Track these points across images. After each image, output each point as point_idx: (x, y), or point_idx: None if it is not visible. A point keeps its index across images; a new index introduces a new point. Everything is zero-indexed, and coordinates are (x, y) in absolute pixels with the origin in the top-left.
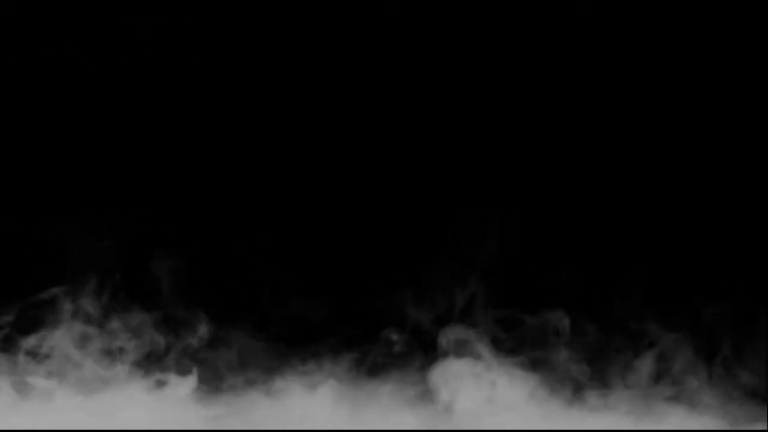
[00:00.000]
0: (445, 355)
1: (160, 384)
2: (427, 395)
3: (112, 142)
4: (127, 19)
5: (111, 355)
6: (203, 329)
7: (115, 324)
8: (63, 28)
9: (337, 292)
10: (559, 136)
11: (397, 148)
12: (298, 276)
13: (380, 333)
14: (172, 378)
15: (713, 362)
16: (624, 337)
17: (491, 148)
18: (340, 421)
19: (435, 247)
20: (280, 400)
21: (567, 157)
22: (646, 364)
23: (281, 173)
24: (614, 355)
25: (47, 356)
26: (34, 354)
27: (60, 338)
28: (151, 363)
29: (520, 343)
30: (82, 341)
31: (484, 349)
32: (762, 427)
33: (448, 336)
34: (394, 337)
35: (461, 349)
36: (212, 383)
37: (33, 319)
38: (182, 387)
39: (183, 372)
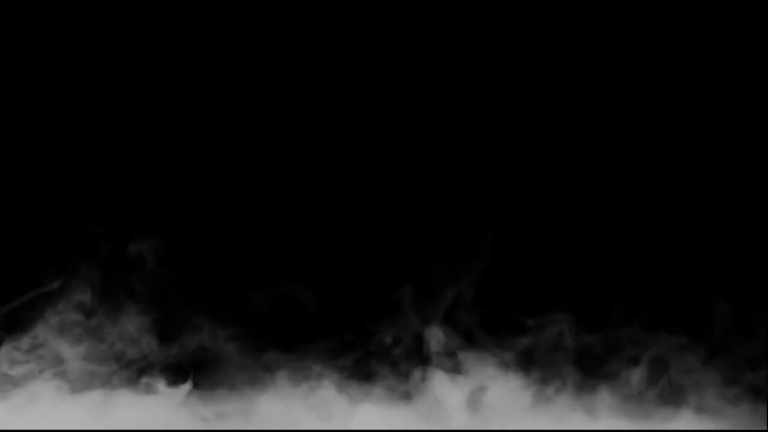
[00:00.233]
0: (444, 355)
1: (157, 384)
2: (426, 395)
3: (112, 142)
4: (127, 19)
5: (108, 355)
6: (201, 329)
7: (112, 324)
8: (63, 28)
9: (337, 292)
10: (559, 136)
11: (397, 148)
12: (298, 276)
13: (380, 333)
14: (170, 378)
15: (713, 363)
16: (624, 337)
17: (491, 148)
18: (337, 421)
19: (435, 247)
20: (276, 400)
21: (567, 158)
22: (645, 365)
23: (280, 173)
24: (614, 356)
25: (45, 356)
26: (30, 353)
27: (56, 338)
28: (147, 363)
29: (520, 343)
30: (80, 342)
31: (484, 348)
32: (762, 427)
33: (447, 336)
34: (393, 336)
35: (460, 350)
36: (209, 383)
37: (32, 318)
38: (179, 387)
39: (180, 372)
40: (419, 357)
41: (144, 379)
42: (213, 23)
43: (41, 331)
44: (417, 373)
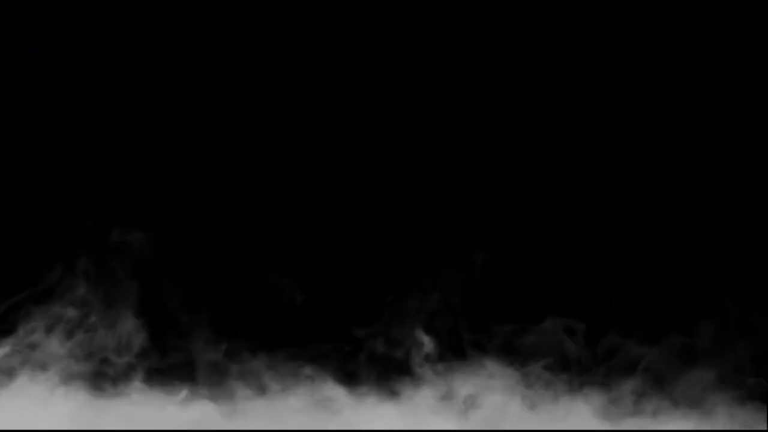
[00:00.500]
0: (443, 355)
1: (151, 385)
2: (426, 395)
3: (112, 142)
4: (127, 19)
5: (103, 355)
6: (200, 330)
7: (107, 325)
8: (63, 28)
9: (336, 292)
10: (559, 136)
11: (397, 149)
12: (298, 276)
13: (380, 333)
14: (164, 380)
15: (713, 362)
16: (624, 337)
17: (491, 148)
18: (341, 422)
19: (435, 247)
20: (272, 401)
21: (567, 158)
22: (645, 365)
23: (280, 173)
24: (614, 356)
25: (44, 356)
26: (28, 354)
27: (51, 337)
28: (141, 364)
29: (520, 343)
30: (79, 342)
31: (483, 349)
32: (762, 427)
33: (446, 337)
34: (393, 337)
35: (459, 350)
36: (208, 384)
37: (27, 317)
38: (172, 389)
39: (174, 374)
40: (419, 357)
41: (138, 380)
42: (213, 23)
43: (36, 330)
44: (417, 374)
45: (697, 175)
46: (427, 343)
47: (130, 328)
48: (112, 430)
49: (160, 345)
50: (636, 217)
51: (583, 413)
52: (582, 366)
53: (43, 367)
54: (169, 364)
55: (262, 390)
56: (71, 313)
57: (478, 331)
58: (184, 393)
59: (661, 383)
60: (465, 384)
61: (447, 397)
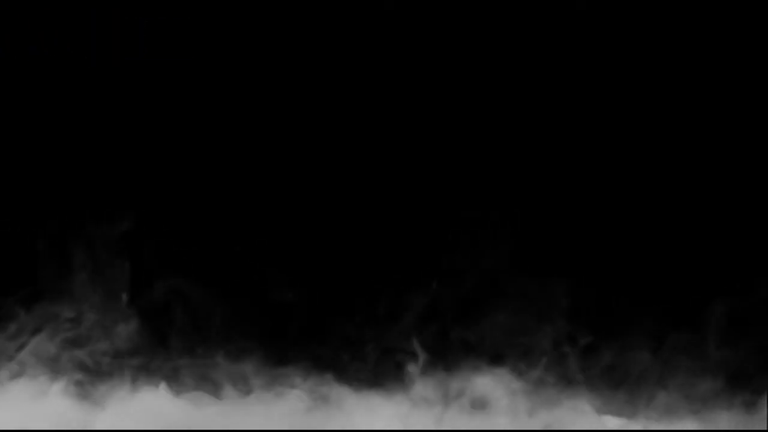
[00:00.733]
0: (443, 356)
1: (153, 385)
2: (425, 395)
3: (112, 142)
4: (127, 19)
5: (104, 356)
6: (206, 330)
7: (109, 324)
8: (63, 28)
9: (337, 292)
10: (559, 136)
11: (398, 149)
12: (298, 276)
13: (380, 334)
14: (160, 381)
15: (713, 362)
16: (624, 337)
17: (491, 149)
18: (342, 421)
19: (435, 247)
20: (283, 399)
21: (567, 158)
22: (645, 364)
23: (280, 173)
24: (614, 356)
25: (44, 356)
26: (36, 356)
27: (57, 339)
28: (143, 364)
29: (520, 343)
30: (79, 342)
31: (482, 349)
32: (762, 427)
33: (446, 337)
34: (393, 338)
35: (459, 350)
36: (207, 384)
37: (32, 319)
38: (176, 388)
39: (177, 373)
40: (419, 357)
41: (135, 381)
42: (213, 23)
43: (49, 335)
44: (417, 374)
45: (698, 176)
46: (426, 342)
47: (126, 330)
48: (112, 430)
49: (158, 344)
50: (636, 217)
51: (584, 413)
52: (582, 365)
53: (33, 365)
54: (167, 363)
55: (259, 389)
56: (65, 312)
57: (479, 331)
58: (177, 393)
59: (661, 384)
60: (465, 383)
61: (446, 396)
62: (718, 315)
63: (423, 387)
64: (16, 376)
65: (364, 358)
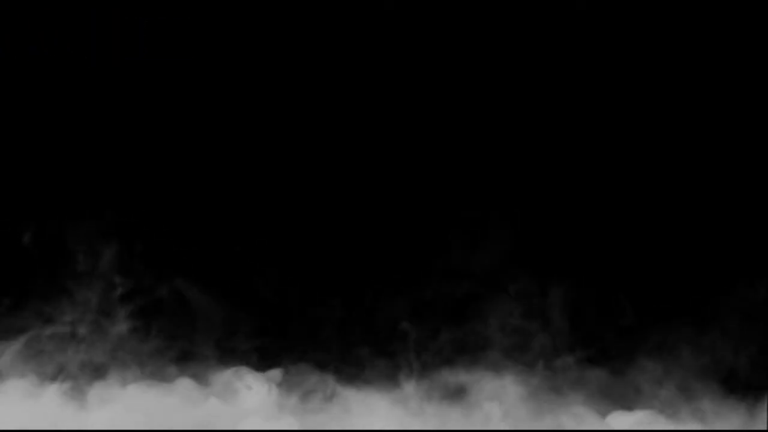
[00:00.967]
0: (444, 356)
1: (157, 384)
2: (427, 395)
3: (112, 142)
4: (127, 19)
5: (108, 355)
6: (207, 330)
7: (112, 323)
8: (63, 28)
9: (336, 292)
10: (559, 136)
11: (398, 149)
12: (300, 276)
13: (381, 334)
14: (170, 379)
15: (713, 362)
16: (624, 337)
17: (491, 149)
18: (342, 422)
19: (435, 247)
20: (283, 399)
21: (567, 158)
22: (645, 364)
23: (281, 173)
24: (614, 355)
25: (47, 356)
26: (33, 353)
27: (60, 339)
28: (147, 363)
29: (520, 344)
30: (82, 342)
31: (483, 348)
32: (762, 427)
33: (446, 336)
34: (394, 337)
35: (460, 350)
36: (219, 384)
37: (33, 319)
38: (179, 387)
39: (180, 373)
40: (419, 359)
41: (147, 380)
42: (213, 23)
43: (51, 335)
44: (417, 374)
45: (698, 175)
46: (426, 342)
47: (125, 330)
48: (112, 430)
49: (154, 343)
50: (636, 217)
51: (583, 413)
52: (581, 365)
53: (28, 365)
54: (167, 362)
55: (258, 388)
56: (79, 315)
57: (478, 330)
58: (189, 391)
59: (660, 383)
60: (464, 383)
61: (445, 395)
62: (719, 315)
63: (422, 387)
64: (9, 375)
65: (364, 358)
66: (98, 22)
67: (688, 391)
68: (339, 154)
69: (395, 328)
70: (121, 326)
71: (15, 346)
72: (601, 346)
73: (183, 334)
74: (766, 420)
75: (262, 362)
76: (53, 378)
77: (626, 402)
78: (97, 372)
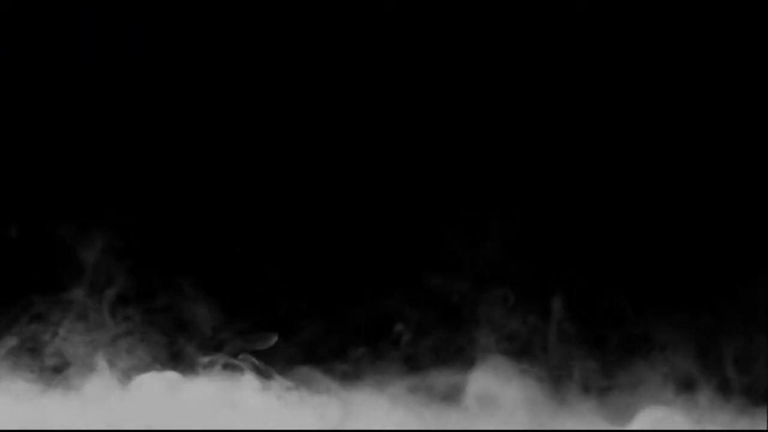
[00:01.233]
0: (447, 355)
1: (161, 384)
2: (429, 395)
3: (113, 142)
4: (127, 19)
5: (113, 355)
6: (204, 330)
7: (117, 324)
8: (63, 28)
9: (337, 291)
10: (559, 136)
11: (397, 149)
12: (299, 276)
13: (381, 334)
14: (172, 378)
15: (713, 362)
16: (624, 337)
17: (491, 148)
18: (342, 422)
19: (435, 247)
20: (282, 399)
21: (567, 158)
22: (645, 364)
23: (281, 173)
24: (614, 355)
25: (52, 356)
26: (39, 353)
27: (64, 339)
28: (152, 363)
29: (520, 343)
30: (85, 342)
31: (484, 349)
32: (762, 427)
33: (448, 336)
34: (396, 337)
35: (461, 350)
36: (217, 384)
37: (36, 319)
38: (182, 387)
39: (184, 373)
40: (421, 358)
41: (150, 380)
42: (213, 23)
43: (55, 335)
44: (420, 374)
45: (698, 175)
46: (425, 341)
47: (136, 328)
48: (113, 430)
49: (152, 342)
50: (636, 217)
51: (583, 413)
52: (581, 365)
53: (60, 369)
54: (163, 361)
55: (256, 388)
56: (81, 315)
57: (477, 331)
58: (193, 390)
59: (660, 383)
60: (466, 385)
61: (445, 396)
62: (720, 315)
63: (422, 387)
64: (5, 375)
65: (364, 358)
66: (98, 22)
67: (688, 391)
68: (338, 155)
69: (395, 328)
70: (120, 326)
71: (11, 343)
72: (601, 346)
73: (181, 333)
74: (766, 420)
75: (261, 362)
76: (50, 377)
77: (626, 402)
78: (96, 372)
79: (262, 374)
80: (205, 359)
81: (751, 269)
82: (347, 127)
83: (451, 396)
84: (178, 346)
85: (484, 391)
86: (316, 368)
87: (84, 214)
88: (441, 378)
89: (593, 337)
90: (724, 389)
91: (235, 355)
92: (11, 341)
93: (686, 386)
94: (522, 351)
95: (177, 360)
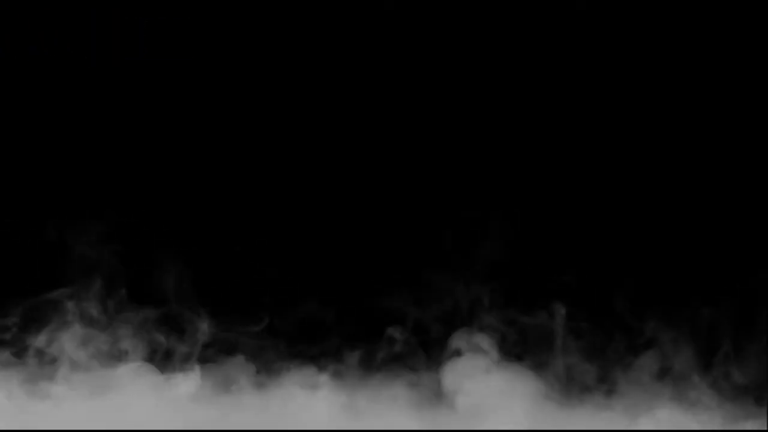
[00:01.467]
0: (447, 355)
1: (164, 384)
2: (428, 395)
3: (113, 142)
4: (127, 19)
5: (115, 356)
6: (206, 329)
7: (119, 325)
8: (63, 28)
9: (337, 292)
10: (559, 136)
11: (398, 149)
12: (300, 276)
13: (382, 334)
14: (176, 378)
15: (713, 362)
16: (624, 337)
17: (491, 148)
18: (342, 422)
19: (435, 247)
20: (282, 399)
21: (567, 158)
22: (646, 364)
23: (282, 173)
24: (614, 355)
25: (52, 357)
26: (39, 354)
27: (65, 339)
28: (155, 363)
29: (519, 344)
30: (87, 342)
31: (484, 349)
32: (762, 427)
33: (449, 336)
34: (396, 337)
35: (463, 350)
36: (215, 383)
37: (37, 320)
38: (185, 387)
39: (186, 372)
40: (422, 358)
41: (154, 380)
42: (213, 23)
43: (55, 335)
44: (420, 374)
45: (698, 175)
46: (425, 341)
47: (139, 329)
48: (113, 430)
49: (172, 344)
50: (636, 217)
51: (583, 412)
52: (582, 365)
53: (60, 369)
54: (162, 361)
55: (274, 387)
56: (83, 316)
57: (480, 331)
58: (196, 390)
59: (660, 383)
60: (467, 384)
61: (450, 396)
62: (720, 314)
63: (422, 387)
64: (5, 375)
65: (363, 357)
66: (98, 22)
67: (688, 391)
68: (337, 155)
69: (394, 328)
70: (119, 326)
71: (3, 341)
72: (601, 346)
73: (180, 333)
74: (766, 420)
75: (258, 362)
76: (51, 376)
77: (627, 403)
78: (96, 371)
79: (259, 374)
80: (200, 357)
81: (751, 269)
82: (347, 127)
83: (451, 396)
84: (172, 345)
85: (484, 391)
86: (314, 368)
87: (84, 215)
88: (440, 378)
89: (593, 337)
90: (724, 389)
91: (230, 354)
92: (4, 339)
93: (686, 386)
94: (522, 351)
95: (172, 358)
